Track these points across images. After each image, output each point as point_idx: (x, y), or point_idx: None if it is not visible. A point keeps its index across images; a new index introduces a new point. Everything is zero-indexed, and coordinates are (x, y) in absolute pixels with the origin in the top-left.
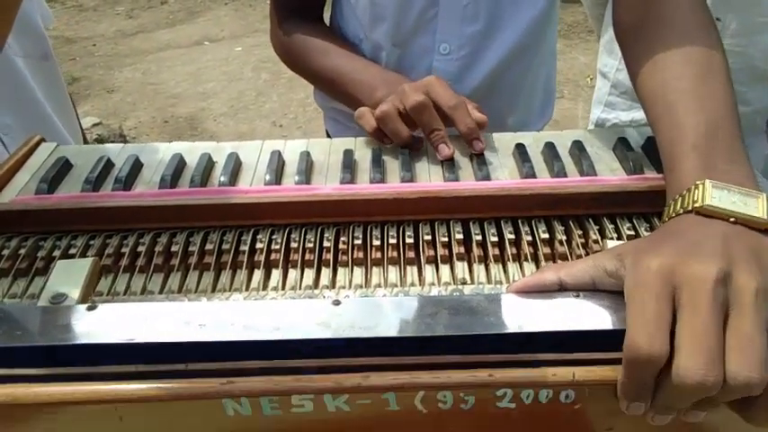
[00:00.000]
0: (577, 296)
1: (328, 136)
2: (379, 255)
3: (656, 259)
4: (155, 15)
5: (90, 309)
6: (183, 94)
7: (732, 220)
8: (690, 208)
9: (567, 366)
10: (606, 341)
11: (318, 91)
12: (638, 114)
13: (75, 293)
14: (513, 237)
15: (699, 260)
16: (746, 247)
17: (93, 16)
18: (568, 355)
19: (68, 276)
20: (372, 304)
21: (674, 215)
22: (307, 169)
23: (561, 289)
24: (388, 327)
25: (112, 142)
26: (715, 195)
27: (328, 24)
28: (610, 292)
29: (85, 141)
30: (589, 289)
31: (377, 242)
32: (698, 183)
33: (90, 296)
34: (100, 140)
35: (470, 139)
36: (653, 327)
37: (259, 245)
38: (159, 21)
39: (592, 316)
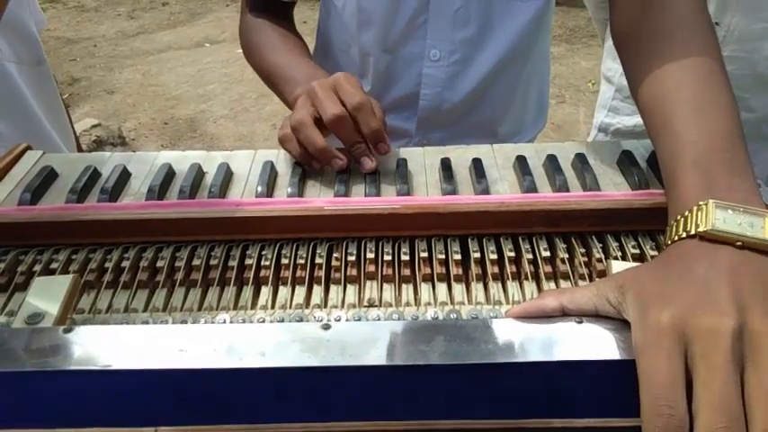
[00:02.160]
0: (580, 322)
1: None
2: (373, 272)
3: (665, 312)
4: (156, 16)
5: (66, 331)
6: (183, 96)
7: (738, 244)
8: (693, 232)
9: None
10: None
11: None
12: None
13: (52, 313)
14: (513, 254)
15: (710, 311)
16: (757, 282)
17: (95, 17)
18: (580, 421)
19: (47, 294)
20: (364, 329)
21: (676, 238)
22: (300, 181)
23: (563, 315)
24: (379, 354)
25: (112, 144)
26: (719, 217)
27: (316, 29)
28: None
29: (79, 147)
30: (591, 315)
31: (371, 258)
32: (701, 203)
33: (69, 315)
34: (99, 142)
35: (374, 143)
36: (670, 392)
37: (248, 260)
38: (160, 22)
39: (599, 344)
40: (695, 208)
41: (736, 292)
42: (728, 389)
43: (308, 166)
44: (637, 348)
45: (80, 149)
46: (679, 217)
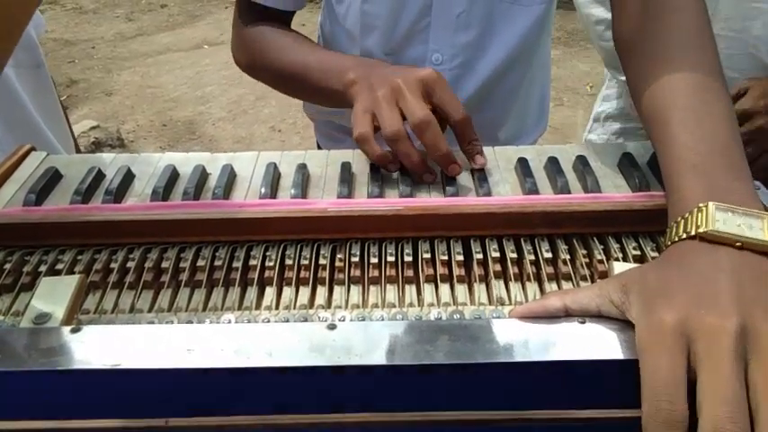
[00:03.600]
0: (583, 322)
1: (319, 149)
2: (376, 273)
3: (668, 312)
4: (154, 18)
5: (74, 331)
6: (181, 98)
7: (738, 244)
8: (693, 233)
9: None
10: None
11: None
12: None
13: (59, 313)
14: (515, 255)
15: (713, 311)
16: (758, 282)
17: (93, 19)
18: (580, 412)
19: (53, 295)
20: (369, 329)
21: (676, 239)
22: (303, 182)
23: (566, 315)
24: (385, 354)
25: (110, 146)
26: (719, 218)
27: (316, 32)
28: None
29: (78, 149)
30: (594, 315)
31: (374, 260)
32: (701, 205)
33: (75, 315)
34: (97, 144)
35: (472, 155)
36: (671, 388)
37: (253, 261)
38: (159, 24)
39: (602, 344)
40: (695, 210)
41: (739, 292)
42: (733, 383)
43: (384, 169)
44: (640, 346)
45: (78, 153)
46: (679, 218)
